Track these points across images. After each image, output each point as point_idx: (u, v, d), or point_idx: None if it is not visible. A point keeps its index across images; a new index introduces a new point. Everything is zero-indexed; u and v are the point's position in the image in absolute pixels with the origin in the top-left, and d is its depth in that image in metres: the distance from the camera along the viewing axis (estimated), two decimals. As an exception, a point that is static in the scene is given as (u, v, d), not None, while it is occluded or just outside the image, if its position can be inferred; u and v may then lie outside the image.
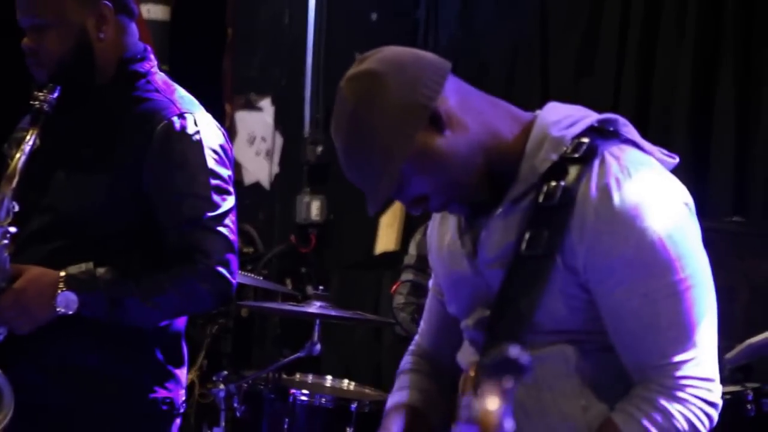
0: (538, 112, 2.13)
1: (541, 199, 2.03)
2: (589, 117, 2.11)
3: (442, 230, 2.26)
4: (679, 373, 2.00)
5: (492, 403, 1.61)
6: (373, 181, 2.04)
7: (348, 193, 6.52)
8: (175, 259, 2.58)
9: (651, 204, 2.00)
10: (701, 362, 2.01)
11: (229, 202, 2.65)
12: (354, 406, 4.11)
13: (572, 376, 2.07)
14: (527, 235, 2.03)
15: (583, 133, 2.07)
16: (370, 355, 6.17)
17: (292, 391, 4.16)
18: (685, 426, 1.99)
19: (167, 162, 2.61)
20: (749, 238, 4.68)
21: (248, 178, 6.60)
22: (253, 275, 5.53)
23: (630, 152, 2.08)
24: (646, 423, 1.98)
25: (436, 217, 2.31)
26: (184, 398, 2.81)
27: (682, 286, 2.00)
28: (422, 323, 2.42)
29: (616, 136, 2.10)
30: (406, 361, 2.39)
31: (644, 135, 2.18)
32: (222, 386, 4.13)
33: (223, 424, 4.12)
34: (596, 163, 2.03)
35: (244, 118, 6.64)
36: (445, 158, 2.04)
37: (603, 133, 2.10)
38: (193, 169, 2.60)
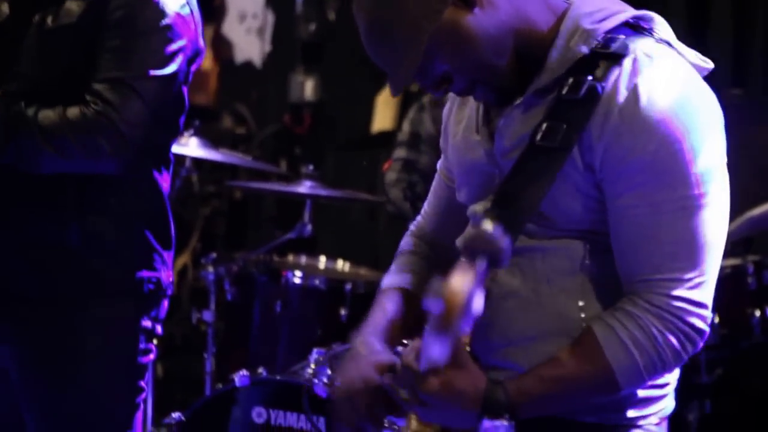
0: (571, 0, 2.04)
1: (564, 91, 1.97)
2: (624, 12, 2.02)
3: (459, 117, 2.20)
4: (670, 292, 1.92)
5: (461, 282, 1.56)
6: (397, 58, 1.99)
7: (343, 72, 6.49)
8: (84, 103, 2.52)
9: (679, 113, 1.92)
10: (696, 286, 1.93)
11: (167, 70, 2.55)
12: (348, 287, 4.07)
13: (575, 273, 2.00)
14: (544, 126, 1.97)
15: (616, 29, 2.00)
16: (365, 236, 6.15)
17: (285, 272, 4.11)
18: (666, 349, 1.92)
19: (115, 15, 2.52)
20: (748, 110, 4.63)
21: (239, 57, 6.52)
22: (246, 156, 5.46)
23: (664, 54, 1.99)
24: (624, 338, 1.92)
25: (455, 102, 2.24)
26: (171, 279, 2.76)
27: (695, 203, 1.91)
28: (426, 205, 2.36)
29: (651, 35, 2.02)
30: (406, 242, 2.34)
31: (641, 3, 2.09)
32: (211, 269, 4.08)
33: (212, 307, 4.06)
34: (628, 61, 1.95)
35: (234, -5, 6.54)
36: (473, 37, 1.98)
37: (637, 30, 2.02)
38: (136, 28, 2.52)
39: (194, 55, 2.66)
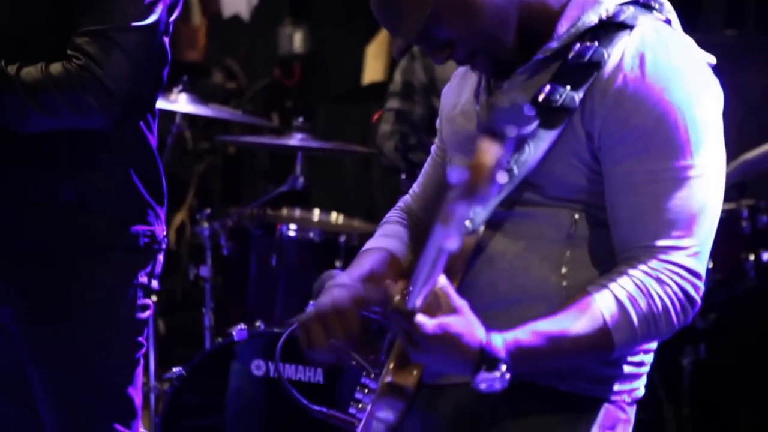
0: None
1: (570, 56, 1.98)
2: None
3: (459, 90, 2.21)
4: (666, 258, 1.91)
5: (488, 154, 1.52)
6: (401, 19, 1.99)
7: (332, 23, 6.47)
8: (66, 58, 2.50)
9: (683, 84, 1.94)
10: (692, 255, 1.92)
11: (148, 21, 2.53)
12: (343, 239, 4.07)
13: (561, 242, 2.00)
14: (547, 87, 1.98)
15: (626, 3, 2.02)
16: (359, 188, 6.14)
17: (279, 226, 4.10)
18: (661, 310, 1.91)
19: None
20: (742, 51, 4.61)
21: (227, 11, 6.49)
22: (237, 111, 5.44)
23: (672, 31, 2.03)
24: (622, 298, 1.90)
25: (456, 76, 2.25)
26: (165, 234, 2.74)
27: (692, 172, 1.92)
28: (415, 186, 2.36)
29: (660, 13, 2.05)
30: (393, 213, 2.33)
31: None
32: (206, 224, 4.08)
33: (209, 262, 4.08)
34: (636, 31, 1.98)
35: (219, -54, 6.50)
36: (479, 6, 1.99)
37: (647, 8, 2.04)
38: None
39: (173, 4, 2.63)
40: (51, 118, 2.52)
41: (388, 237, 2.25)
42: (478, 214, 1.94)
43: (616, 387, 2.05)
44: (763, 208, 3.95)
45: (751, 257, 3.89)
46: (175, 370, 3.34)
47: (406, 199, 2.36)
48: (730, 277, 3.90)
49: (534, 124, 1.91)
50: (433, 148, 2.34)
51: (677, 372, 4.21)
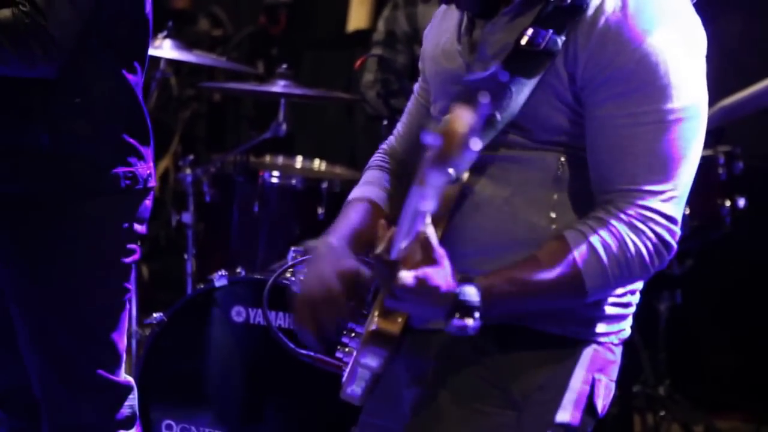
0: None
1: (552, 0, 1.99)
2: None
3: (440, 30, 2.22)
4: (642, 203, 1.94)
5: (461, 121, 1.53)
6: None
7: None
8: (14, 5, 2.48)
9: (665, 27, 1.95)
10: (669, 199, 1.95)
11: None
12: (324, 185, 4.09)
13: (548, 185, 2.02)
14: (530, 31, 1.98)
15: None
16: (343, 135, 6.14)
17: (262, 173, 4.12)
18: (635, 258, 1.94)
19: None
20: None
21: (214, -41, 6.45)
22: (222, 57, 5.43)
23: None
24: (595, 243, 1.93)
25: (437, 15, 2.26)
26: (150, 173, 2.73)
27: (673, 116, 1.94)
28: (399, 126, 2.37)
29: None
30: (376, 157, 2.36)
31: None
32: (189, 171, 4.09)
33: (191, 208, 4.10)
34: None
35: None
36: None
37: None
38: None
39: None
40: None
41: (371, 185, 2.27)
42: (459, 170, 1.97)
43: (605, 329, 2.08)
44: (739, 155, 3.95)
45: (727, 203, 3.89)
46: (155, 315, 3.36)
47: (390, 140, 2.38)
48: (706, 223, 3.90)
49: (510, 92, 1.92)
50: (416, 87, 2.34)
51: (654, 317, 4.25)
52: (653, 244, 1.95)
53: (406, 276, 1.84)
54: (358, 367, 2.01)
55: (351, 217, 2.20)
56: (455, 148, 1.56)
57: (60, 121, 2.60)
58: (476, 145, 1.55)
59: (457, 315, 1.87)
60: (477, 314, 1.88)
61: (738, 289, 4.77)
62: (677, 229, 1.97)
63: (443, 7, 2.25)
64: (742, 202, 3.93)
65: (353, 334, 2.11)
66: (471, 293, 1.89)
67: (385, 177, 2.29)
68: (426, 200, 1.64)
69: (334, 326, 2.07)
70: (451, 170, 1.60)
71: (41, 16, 2.46)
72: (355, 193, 2.27)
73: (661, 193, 1.94)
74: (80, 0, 2.50)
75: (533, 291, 1.95)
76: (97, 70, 2.60)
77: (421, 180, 1.62)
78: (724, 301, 4.82)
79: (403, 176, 2.29)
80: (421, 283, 1.84)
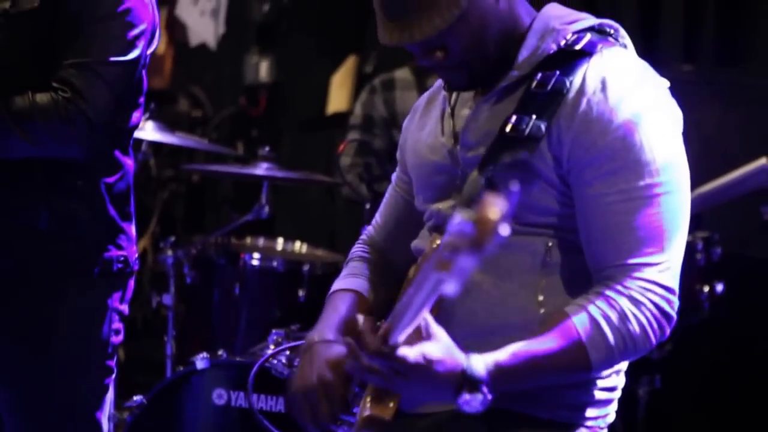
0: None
1: (533, 86, 2.04)
2: (591, 18, 2.13)
3: (421, 123, 2.25)
4: (639, 275, 1.97)
5: (494, 208, 1.55)
6: (429, 17, 2.01)
7: (297, 53, 6.49)
8: (50, 89, 2.53)
9: (646, 105, 2.00)
10: (665, 270, 1.98)
11: (131, 56, 2.57)
12: (306, 268, 4.09)
13: (536, 269, 2.05)
14: (513, 118, 2.02)
15: (583, 31, 2.09)
16: (323, 217, 6.16)
17: (243, 255, 4.13)
18: (637, 330, 1.97)
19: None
20: (699, 86, 4.67)
21: (194, 39, 6.48)
22: (203, 139, 5.46)
23: (629, 55, 2.10)
24: (597, 317, 1.96)
25: (416, 111, 2.30)
26: (136, 255, 2.78)
27: (659, 189, 1.98)
28: (377, 216, 2.40)
29: (615, 40, 2.12)
30: (357, 248, 2.39)
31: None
32: (170, 252, 4.09)
33: (172, 290, 4.08)
34: (596, 57, 2.04)
35: (187, -23, 6.50)
36: (488, 23, 2.05)
37: (602, 34, 2.11)
38: (97, 13, 2.53)
39: (152, 38, 2.67)
40: (33, 146, 2.54)
41: (354, 276, 2.30)
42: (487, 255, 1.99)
43: (594, 413, 2.09)
44: (717, 241, 4.00)
45: (706, 289, 3.93)
46: (135, 398, 3.34)
47: (369, 231, 2.40)
48: (685, 308, 3.91)
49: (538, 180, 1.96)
50: (394, 177, 2.37)
51: (633, 402, 4.25)
52: (653, 315, 1.97)
53: (410, 354, 1.86)
54: None
55: (339, 308, 2.23)
56: (488, 234, 1.57)
57: (61, 202, 2.63)
58: (505, 230, 1.57)
59: (466, 389, 1.89)
60: (485, 388, 1.89)
61: (717, 374, 4.77)
62: (676, 300, 2.00)
63: (422, 100, 2.29)
64: (720, 288, 3.96)
65: (339, 422, 2.12)
66: (478, 366, 1.90)
67: (368, 267, 2.32)
68: (451, 284, 1.64)
69: (331, 416, 2.08)
70: (481, 258, 1.62)
71: (83, 101, 2.51)
72: (340, 284, 2.30)
73: (657, 264, 1.98)
74: (117, 84, 2.55)
75: (539, 366, 1.96)
76: (100, 153, 2.62)
77: (442, 264, 1.63)
78: (704, 386, 4.82)
79: (384, 267, 2.32)
80: (426, 358, 1.87)
